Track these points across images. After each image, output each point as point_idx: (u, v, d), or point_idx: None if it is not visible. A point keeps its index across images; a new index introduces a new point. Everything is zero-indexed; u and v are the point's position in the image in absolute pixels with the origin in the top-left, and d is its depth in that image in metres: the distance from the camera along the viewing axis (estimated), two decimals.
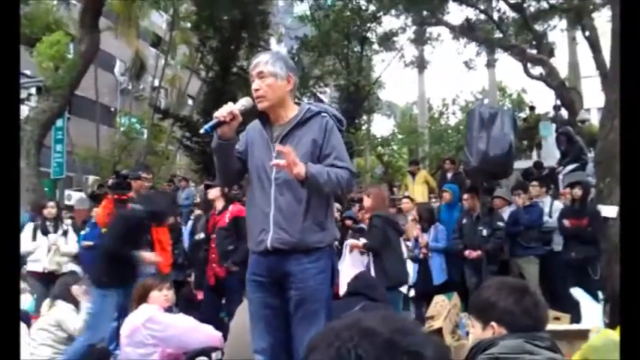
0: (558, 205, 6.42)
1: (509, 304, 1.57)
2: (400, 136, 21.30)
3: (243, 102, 2.31)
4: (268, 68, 2.30)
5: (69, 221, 6.66)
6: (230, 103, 2.27)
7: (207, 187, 5.40)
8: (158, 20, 21.90)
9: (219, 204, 5.13)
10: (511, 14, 14.57)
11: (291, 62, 2.45)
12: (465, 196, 6.31)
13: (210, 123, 2.22)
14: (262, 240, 2.28)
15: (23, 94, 11.22)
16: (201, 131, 2.27)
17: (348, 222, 6.80)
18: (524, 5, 13.71)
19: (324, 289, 2.27)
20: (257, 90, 2.31)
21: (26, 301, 3.08)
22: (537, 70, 14.76)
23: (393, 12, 14.85)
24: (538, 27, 14.68)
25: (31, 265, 5.73)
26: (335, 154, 2.29)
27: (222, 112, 2.20)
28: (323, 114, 2.36)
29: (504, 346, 1.41)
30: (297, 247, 2.25)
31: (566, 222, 5.80)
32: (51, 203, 6.17)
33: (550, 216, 6.24)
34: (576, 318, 3.99)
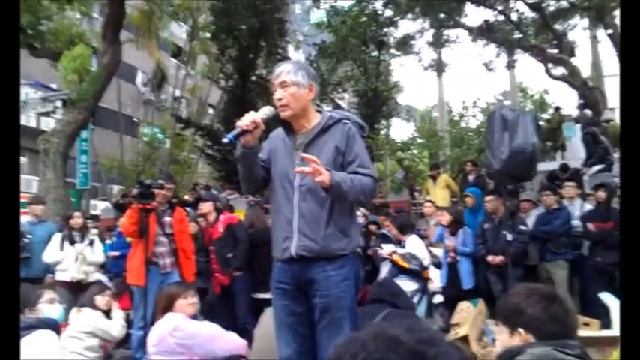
0: (589, 207, 6.28)
1: (538, 311, 1.55)
2: (420, 140, 21.14)
3: (266, 111, 2.33)
4: (290, 77, 2.32)
5: (95, 231, 6.78)
6: (252, 112, 2.29)
7: (199, 200, 5.56)
8: (178, 31, 22.25)
9: (212, 217, 5.33)
10: (530, 14, 14.41)
11: (313, 71, 2.47)
12: (487, 199, 6.21)
13: (234, 132, 2.24)
14: (286, 247, 2.30)
15: (49, 107, 11.53)
16: (225, 140, 2.29)
17: (372, 227, 6.78)
18: (543, 5, 13.54)
19: (348, 296, 2.27)
20: (280, 99, 2.33)
21: (56, 310, 3.14)
22: (559, 70, 14.56)
23: (409, 16, 14.82)
24: (558, 26, 14.49)
25: (59, 275, 5.86)
26: (358, 161, 2.30)
27: (245, 121, 2.23)
28: (345, 121, 2.37)
29: (533, 354, 1.39)
30: (320, 254, 2.25)
31: (590, 226, 5.67)
32: (77, 213, 6.28)
33: (580, 219, 6.10)
34: (606, 323, 3.90)
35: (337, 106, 14.86)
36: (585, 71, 14.58)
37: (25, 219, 6.78)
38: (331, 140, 2.32)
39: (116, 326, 4.03)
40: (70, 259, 5.84)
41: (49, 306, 3.08)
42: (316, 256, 2.25)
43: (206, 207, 5.39)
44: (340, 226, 2.28)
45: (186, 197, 11.94)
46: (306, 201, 2.28)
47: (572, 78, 13.05)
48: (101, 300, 4.23)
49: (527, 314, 1.55)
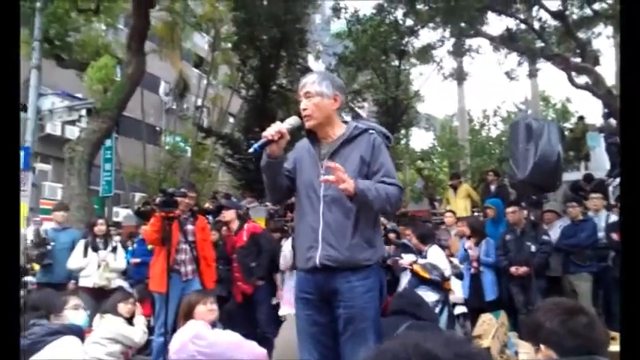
0: (614, 218, 6.14)
1: (555, 325, 1.50)
2: (440, 150, 20.98)
3: (291, 121, 2.35)
4: (315, 88, 2.34)
5: (118, 238, 6.89)
6: (278, 122, 2.31)
7: (221, 208, 5.55)
8: (200, 42, 22.59)
9: (234, 225, 5.32)
10: (553, 22, 14.23)
11: (339, 81, 2.48)
12: (509, 210, 6.12)
13: (259, 142, 2.26)
14: (311, 257, 2.29)
15: (74, 116, 11.77)
16: (250, 150, 2.31)
17: (392, 235, 6.73)
18: (566, 13, 13.38)
19: (372, 307, 2.25)
20: (304, 109, 2.36)
21: (80, 317, 3.18)
22: (582, 79, 14.33)
23: (430, 25, 14.77)
24: (581, 35, 14.28)
25: (82, 281, 5.96)
26: (383, 170, 2.30)
27: (270, 132, 2.24)
28: (370, 131, 2.38)
29: None
30: (345, 264, 2.24)
31: (614, 235, 5.53)
32: (100, 221, 6.40)
33: (605, 230, 5.97)
34: None
35: (357, 115, 14.87)
36: (610, 80, 14.31)
37: (49, 225, 6.92)
38: (357, 150, 2.33)
39: (138, 332, 4.07)
40: (93, 265, 5.95)
41: (73, 312, 3.13)
42: (341, 266, 2.24)
43: (229, 215, 5.41)
44: (365, 237, 2.28)
45: (207, 205, 12.05)
46: (331, 211, 2.27)
47: (596, 87, 12.83)
48: (124, 307, 4.28)
49: (546, 329, 1.51)
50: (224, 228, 8.21)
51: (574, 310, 1.57)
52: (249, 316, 5.21)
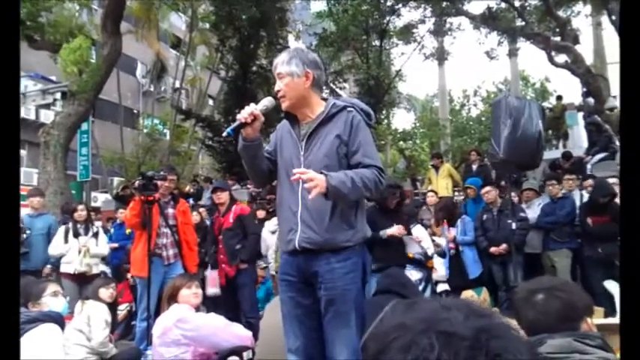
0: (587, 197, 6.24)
1: (531, 315, 1.54)
2: (421, 130, 21.06)
3: (265, 102, 2.28)
4: (285, 68, 2.27)
5: (99, 223, 6.76)
6: (252, 104, 2.24)
7: (216, 190, 5.45)
8: (177, 22, 22.11)
9: (224, 207, 5.25)
10: (533, 1, 14.28)
11: (311, 56, 2.35)
12: (485, 189, 6.18)
13: (233, 125, 2.21)
14: (291, 239, 2.26)
15: (49, 100, 11.45)
16: (224, 134, 2.25)
17: None
18: None
19: (353, 289, 2.23)
20: (278, 91, 2.30)
21: (60, 303, 3.11)
22: (562, 58, 14.45)
23: (412, 4, 14.69)
24: (561, 13, 14.35)
25: (63, 267, 5.83)
26: (362, 150, 2.23)
27: (243, 114, 2.19)
28: (349, 109, 2.30)
29: (553, 345, 1.35)
30: (324, 246, 2.21)
31: (589, 220, 5.61)
32: (81, 206, 6.26)
33: (579, 210, 6.07)
34: (610, 311, 3.87)
35: (337, 96, 14.76)
36: (589, 59, 14.45)
37: (24, 212, 6.76)
38: (334, 129, 2.26)
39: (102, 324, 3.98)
40: (74, 251, 5.83)
41: (53, 299, 3.05)
42: (320, 248, 2.21)
43: (224, 196, 5.29)
44: (345, 218, 2.23)
45: (188, 188, 11.93)
46: (310, 192, 2.23)
47: (575, 66, 12.94)
48: (105, 292, 4.22)
49: (526, 319, 1.54)
50: (201, 209, 8.15)
51: (534, 290, 1.59)
52: (232, 299, 5.17)
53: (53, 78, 14.73)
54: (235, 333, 3.26)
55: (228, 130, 2.22)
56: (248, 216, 5.48)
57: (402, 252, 4.93)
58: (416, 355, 0.58)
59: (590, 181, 6.61)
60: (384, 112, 17.38)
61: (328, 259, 2.21)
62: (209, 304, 5.16)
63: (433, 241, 5.84)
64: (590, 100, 12.64)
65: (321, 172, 2.10)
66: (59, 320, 2.88)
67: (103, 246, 6.17)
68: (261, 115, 2.22)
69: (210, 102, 21.49)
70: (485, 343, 0.58)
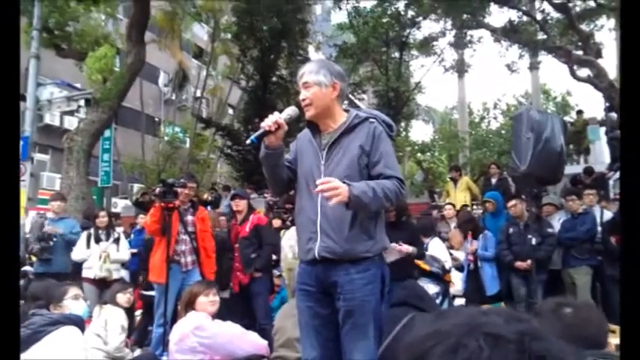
0: (608, 214, 6.11)
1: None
2: (440, 142, 20.93)
3: (289, 111, 2.31)
4: (312, 78, 2.30)
5: (120, 229, 6.86)
6: (276, 113, 2.27)
7: (235, 197, 5.49)
8: (200, 32, 22.45)
9: (242, 215, 5.28)
10: (555, 15, 14.14)
11: (337, 68, 2.40)
12: (511, 203, 6.09)
13: (256, 133, 2.23)
14: (310, 249, 2.26)
15: (73, 106, 11.71)
16: (248, 142, 2.27)
17: None
18: (569, 5, 13.27)
19: (372, 300, 2.22)
20: (304, 100, 2.31)
21: (80, 307, 3.16)
22: (584, 72, 14.26)
23: (432, 16, 14.69)
24: (584, 27, 14.19)
25: (85, 272, 5.94)
26: (383, 162, 2.25)
27: (267, 122, 2.20)
28: (371, 120, 2.32)
29: None
30: (343, 256, 2.21)
31: (612, 239, 5.49)
32: (102, 212, 6.37)
33: (601, 225, 5.95)
34: None
35: (356, 107, 14.73)
36: (612, 73, 14.24)
37: (47, 216, 6.90)
38: (356, 140, 2.28)
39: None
40: (95, 257, 5.93)
41: (74, 302, 3.10)
42: (339, 258, 2.21)
43: (242, 204, 5.33)
44: (365, 228, 2.24)
45: (206, 196, 12.03)
46: (330, 202, 2.24)
47: (598, 80, 12.75)
48: (122, 297, 4.28)
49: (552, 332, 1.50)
50: (221, 218, 8.19)
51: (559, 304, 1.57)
52: (245, 307, 5.19)
53: (78, 85, 15.07)
54: (251, 341, 3.27)
55: (252, 137, 2.24)
56: (265, 226, 5.50)
57: (406, 268, 4.73)
58: (464, 357, 0.56)
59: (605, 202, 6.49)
60: (402, 123, 17.36)
61: (347, 270, 2.21)
62: (223, 310, 5.19)
63: (451, 254, 5.78)
64: (613, 114, 12.43)
65: (343, 182, 2.10)
66: (80, 323, 2.93)
67: (124, 251, 6.26)
68: (285, 124, 2.25)
69: (230, 111, 21.71)
70: (528, 345, 0.56)
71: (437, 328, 0.62)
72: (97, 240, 6.00)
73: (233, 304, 5.40)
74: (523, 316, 0.62)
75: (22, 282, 6.76)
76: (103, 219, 6.15)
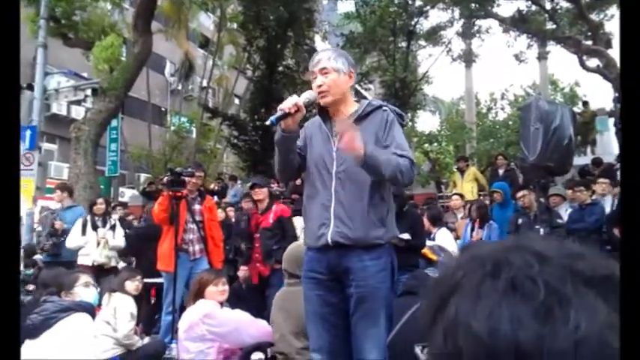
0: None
1: None
2: (447, 133, 20.83)
3: (307, 95, 2.30)
4: (332, 64, 2.30)
5: (116, 216, 6.80)
6: (294, 96, 2.26)
7: (254, 186, 5.38)
8: (206, 22, 22.37)
9: (264, 204, 5.18)
10: (565, 4, 13.98)
11: (351, 59, 2.44)
12: (520, 193, 6.08)
13: (276, 115, 2.21)
14: (322, 234, 2.26)
15: (80, 96, 11.74)
16: (267, 123, 2.24)
17: None
18: None
19: (384, 287, 2.23)
20: (320, 86, 2.31)
21: (91, 294, 3.19)
22: (593, 63, 14.13)
23: (440, 5, 14.55)
24: (594, 17, 14.03)
25: (81, 259, 5.85)
26: (395, 143, 2.26)
27: (287, 104, 2.19)
28: (384, 108, 2.36)
29: None
30: (358, 242, 2.22)
31: (616, 231, 5.46)
32: (100, 200, 6.35)
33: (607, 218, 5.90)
34: None
35: (363, 98, 14.64)
36: None
37: (55, 205, 6.91)
38: (371, 126, 2.30)
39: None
40: (92, 244, 5.87)
41: (84, 290, 3.13)
42: (353, 244, 2.22)
43: (262, 193, 5.21)
44: (378, 215, 2.25)
45: (212, 186, 12.07)
46: (344, 188, 2.25)
47: (607, 70, 12.63)
48: (131, 285, 4.30)
49: None
50: (228, 208, 8.19)
51: None
52: (261, 298, 5.12)
53: (85, 75, 15.09)
54: (260, 329, 3.29)
55: (272, 118, 2.22)
56: (289, 218, 5.38)
57: (411, 257, 4.69)
58: (510, 275, 0.48)
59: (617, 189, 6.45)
60: (409, 114, 17.25)
61: (360, 256, 2.22)
62: (233, 299, 5.19)
63: (457, 245, 5.78)
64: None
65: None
66: (90, 310, 2.96)
67: (120, 238, 6.15)
68: (304, 107, 2.24)
69: (237, 101, 21.68)
70: (574, 264, 0.50)
71: (472, 254, 0.54)
72: (94, 227, 5.95)
73: (247, 295, 5.35)
74: (567, 241, 0.56)
75: (32, 270, 6.83)
76: (100, 206, 6.12)
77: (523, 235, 0.59)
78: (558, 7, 14.12)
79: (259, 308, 5.01)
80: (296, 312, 2.84)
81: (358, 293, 2.21)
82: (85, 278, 3.19)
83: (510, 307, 0.47)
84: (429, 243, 5.06)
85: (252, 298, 5.23)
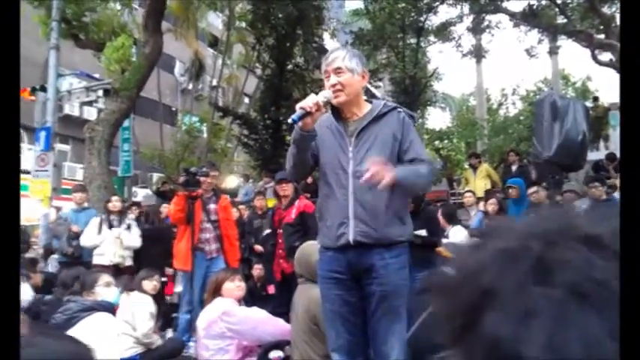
0: None
1: None
2: (458, 129, 20.73)
3: (325, 94, 2.32)
4: (346, 64, 2.32)
5: (132, 215, 6.77)
6: (313, 95, 2.28)
7: (281, 181, 5.18)
8: (215, 21, 22.44)
9: (287, 199, 5.11)
10: None
11: (364, 59, 2.46)
12: (531, 190, 6.05)
13: (297, 113, 2.21)
14: (342, 234, 2.27)
15: (92, 97, 11.85)
16: (289, 121, 2.26)
17: None
18: None
19: (405, 284, 2.26)
20: (334, 85, 2.32)
21: (112, 293, 3.25)
22: (606, 56, 13.98)
23: (449, 1, 14.47)
24: (606, 10, 13.88)
25: (96, 259, 5.85)
26: (415, 148, 2.32)
27: (308, 102, 2.21)
28: (399, 109, 2.39)
29: None
30: (381, 240, 2.24)
31: None
32: (115, 198, 6.35)
33: None
34: None
35: (372, 95, 14.67)
36: None
37: (69, 207, 6.96)
38: (387, 127, 2.33)
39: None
40: (108, 243, 5.87)
41: (105, 289, 3.19)
42: (376, 242, 2.24)
43: (289, 188, 5.08)
44: (397, 213, 2.29)
45: (224, 185, 12.12)
46: (362, 187, 2.27)
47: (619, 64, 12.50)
48: (149, 284, 4.35)
49: None
50: (241, 206, 8.21)
51: None
52: (286, 295, 5.09)
53: (97, 75, 15.23)
54: (278, 327, 3.33)
55: (294, 117, 2.22)
56: (312, 213, 5.33)
57: (428, 255, 4.66)
58: (571, 276, 0.37)
59: None
60: (419, 111, 17.20)
61: (382, 255, 2.24)
62: (248, 298, 5.21)
63: None
64: None
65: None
66: (111, 310, 3.01)
67: (136, 238, 6.11)
68: (322, 106, 2.26)
69: (246, 100, 21.74)
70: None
71: (499, 247, 0.41)
72: (110, 225, 5.94)
73: (255, 293, 5.36)
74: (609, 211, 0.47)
75: (51, 270, 6.90)
76: (115, 204, 6.10)
77: (554, 207, 0.42)
78: (569, 0, 13.98)
79: (285, 305, 4.99)
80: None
81: (381, 291, 2.23)
82: (105, 278, 3.25)
83: (578, 325, 0.35)
84: (444, 241, 5.07)
85: (277, 295, 5.16)
